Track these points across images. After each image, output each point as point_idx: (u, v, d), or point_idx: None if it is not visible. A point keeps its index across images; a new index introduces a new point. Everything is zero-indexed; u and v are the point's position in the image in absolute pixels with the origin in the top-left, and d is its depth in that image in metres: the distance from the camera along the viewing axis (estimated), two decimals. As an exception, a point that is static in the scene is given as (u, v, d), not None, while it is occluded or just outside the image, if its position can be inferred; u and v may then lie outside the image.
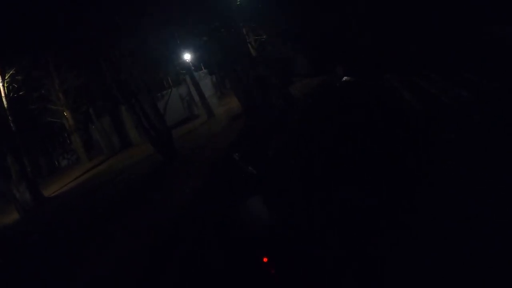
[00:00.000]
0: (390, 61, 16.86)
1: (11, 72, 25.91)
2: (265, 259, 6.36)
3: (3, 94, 24.86)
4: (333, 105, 14.96)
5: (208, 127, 21.31)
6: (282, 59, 27.81)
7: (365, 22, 22.10)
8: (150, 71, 26.02)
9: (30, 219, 20.26)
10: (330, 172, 8.70)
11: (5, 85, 25.41)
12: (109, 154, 31.27)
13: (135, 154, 23.86)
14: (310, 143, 11.46)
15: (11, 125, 24.84)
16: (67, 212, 16.85)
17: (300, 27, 27.98)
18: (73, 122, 33.35)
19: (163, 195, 12.63)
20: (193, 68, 31.38)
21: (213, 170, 12.82)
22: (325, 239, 6.21)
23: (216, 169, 12.74)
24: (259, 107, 17.33)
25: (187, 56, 29.05)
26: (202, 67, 30.91)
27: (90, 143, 37.62)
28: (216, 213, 9.12)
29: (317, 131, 12.29)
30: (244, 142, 14.36)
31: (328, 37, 27.24)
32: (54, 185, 29.14)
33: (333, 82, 19.43)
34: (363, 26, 22.07)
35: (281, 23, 27.95)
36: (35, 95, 31.50)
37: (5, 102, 24.80)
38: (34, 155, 40.94)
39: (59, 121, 34.57)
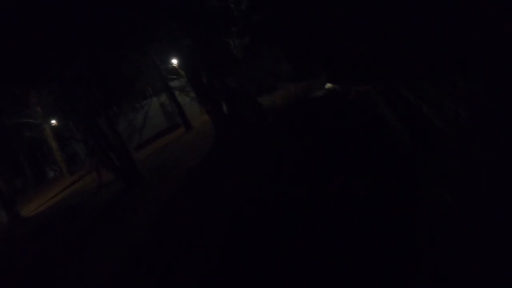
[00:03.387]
0: (377, 65, 14.78)
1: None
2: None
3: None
4: (306, 118, 12.82)
5: (183, 142, 19.07)
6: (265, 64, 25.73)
7: (350, 23, 19.79)
8: (125, 83, 23.96)
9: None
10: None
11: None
12: (89, 169, 28.99)
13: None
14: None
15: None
16: (33, 244, 14.99)
17: (284, 29, 25.98)
18: (52, 136, 31.14)
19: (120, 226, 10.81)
20: (174, 76, 29.20)
21: (171, 199, 10.75)
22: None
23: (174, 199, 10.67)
24: (228, 120, 15.10)
25: (173, 62, 26.95)
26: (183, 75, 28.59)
27: (73, 156, 35.62)
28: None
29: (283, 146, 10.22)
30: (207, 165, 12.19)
31: (314, 40, 25.26)
32: (36, 200, 27.18)
33: (315, 89, 17.27)
34: (348, 27, 19.79)
35: (265, 26, 25.78)
36: (11, 110, 29.27)
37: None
38: (19, 166, 39.07)
39: (39, 136, 32.40)
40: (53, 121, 33.39)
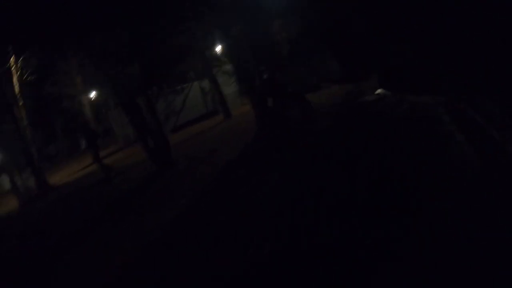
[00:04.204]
0: (436, 75, 13.50)
1: (23, 56, 23.35)
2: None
3: (14, 79, 22.52)
4: (357, 125, 11.75)
5: (221, 131, 18.26)
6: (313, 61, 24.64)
7: (407, 23, 18.50)
8: (168, 64, 23.27)
9: (23, 213, 17.92)
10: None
11: (19, 67, 23.02)
12: (122, 145, 28.57)
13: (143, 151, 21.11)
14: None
15: (20, 110, 22.50)
16: (56, 213, 14.69)
17: (334, 27, 24.84)
18: (90, 109, 30.89)
19: (137, 218, 9.92)
20: (216, 63, 28.49)
21: (203, 193, 9.90)
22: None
23: (206, 193, 9.81)
24: (272, 117, 14.18)
25: (217, 49, 26.20)
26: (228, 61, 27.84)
27: (108, 130, 35.39)
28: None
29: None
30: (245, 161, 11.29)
31: (364, 40, 24.15)
32: (67, 169, 26.98)
33: (363, 93, 16.20)
34: (404, 28, 18.54)
35: (314, 21, 24.71)
36: (52, 79, 29.07)
37: (16, 87, 22.45)
38: (54, 135, 39.12)
39: (77, 107, 32.21)
40: (91, 95, 33.26)
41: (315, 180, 8.54)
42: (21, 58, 23.02)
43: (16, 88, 22.46)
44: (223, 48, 23.73)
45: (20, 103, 22.51)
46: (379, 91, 15.74)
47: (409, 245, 4.55)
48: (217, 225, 7.24)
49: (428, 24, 15.48)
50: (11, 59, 22.59)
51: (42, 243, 11.24)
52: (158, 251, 7.34)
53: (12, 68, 22.65)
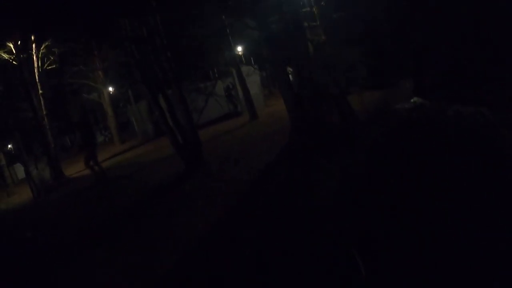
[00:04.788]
0: (475, 83, 12.38)
1: (47, 44, 22.51)
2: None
3: (35, 65, 21.68)
4: (398, 134, 10.61)
5: (248, 132, 17.20)
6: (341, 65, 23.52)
7: (442, 27, 17.16)
8: (194, 59, 22.33)
9: (37, 204, 16.96)
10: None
11: (40, 56, 22.19)
12: (142, 140, 27.64)
13: (165, 147, 19.96)
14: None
15: (40, 98, 21.65)
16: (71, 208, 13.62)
17: (366, 30, 23.77)
18: (109, 102, 30.00)
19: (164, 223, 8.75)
20: (243, 61, 27.45)
21: (239, 200, 8.82)
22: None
23: (243, 201, 8.71)
24: (309, 120, 13.08)
25: (238, 48, 25.26)
26: (252, 61, 26.87)
27: (127, 126, 34.55)
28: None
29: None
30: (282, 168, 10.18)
31: (394, 44, 23.07)
32: (81, 162, 25.99)
33: (394, 100, 15.10)
34: (439, 31, 17.24)
35: (344, 25, 23.64)
36: (73, 70, 28.19)
37: (36, 74, 21.62)
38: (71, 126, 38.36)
39: (96, 99, 31.35)
40: (111, 88, 32.45)
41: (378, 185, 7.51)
42: (43, 45, 22.23)
43: (36, 76, 21.62)
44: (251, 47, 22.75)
45: (40, 92, 21.65)
46: (414, 99, 14.41)
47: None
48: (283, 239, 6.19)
49: (468, 32, 13.96)
50: (33, 45, 21.79)
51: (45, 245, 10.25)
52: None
53: (34, 55, 21.83)
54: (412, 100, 13.92)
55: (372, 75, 22.58)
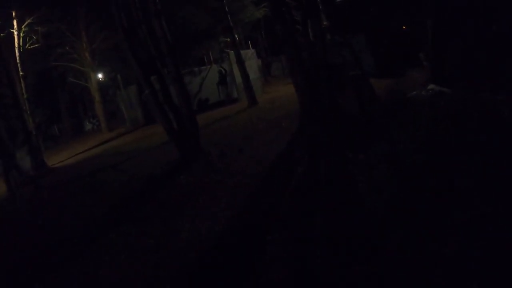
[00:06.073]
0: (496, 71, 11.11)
1: (28, 21, 20.33)
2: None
3: (16, 45, 19.55)
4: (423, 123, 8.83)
5: (248, 118, 15.27)
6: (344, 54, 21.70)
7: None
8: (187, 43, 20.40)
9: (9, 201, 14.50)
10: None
11: (21, 35, 20.02)
12: (130, 128, 25.56)
13: (156, 135, 18.02)
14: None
15: (20, 80, 19.54)
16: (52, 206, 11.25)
17: (372, 17, 22.14)
18: (97, 87, 27.83)
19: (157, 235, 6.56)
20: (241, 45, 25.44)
21: (251, 199, 6.91)
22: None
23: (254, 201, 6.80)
24: (324, 106, 11.17)
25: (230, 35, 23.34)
26: (250, 46, 24.90)
27: (116, 114, 32.40)
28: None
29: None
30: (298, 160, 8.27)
31: (401, 33, 21.46)
32: (68, 151, 23.85)
33: (405, 88, 13.40)
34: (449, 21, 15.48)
35: (348, 11, 21.93)
36: (58, 51, 25.97)
37: (16, 53, 19.48)
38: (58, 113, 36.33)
39: (83, 83, 29.12)
40: (99, 74, 30.40)
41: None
42: (25, 23, 20.05)
43: (17, 56, 19.46)
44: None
45: (21, 74, 19.51)
46: (431, 86, 12.54)
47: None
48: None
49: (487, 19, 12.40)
50: (14, 22, 19.62)
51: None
52: None
53: (15, 33, 19.66)
54: (429, 87, 12.30)
55: (379, 63, 20.98)
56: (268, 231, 5.18)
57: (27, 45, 21.15)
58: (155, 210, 7.57)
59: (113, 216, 8.21)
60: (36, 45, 21.54)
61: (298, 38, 11.74)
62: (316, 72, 11.55)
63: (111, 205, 8.99)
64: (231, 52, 20.82)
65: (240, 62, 18.78)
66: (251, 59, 22.25)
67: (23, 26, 20.11)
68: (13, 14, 19.62)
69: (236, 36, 23.89)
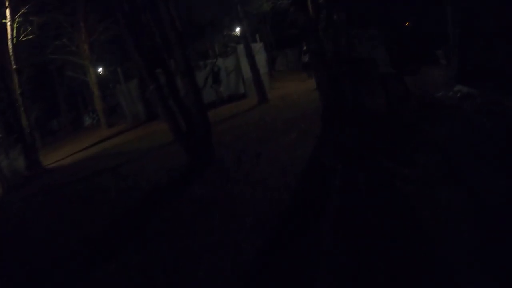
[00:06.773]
0: None
1: (23, 11, 18.89)
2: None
3: (9, 36, 18.12)
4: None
5: (260, 117, 13.85)
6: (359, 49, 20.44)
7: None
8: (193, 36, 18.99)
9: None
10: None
11: (15, 25, 18.59)
12: (131, 124, 24.15)
13: (158, 132, 16.64)
14: None
15: (12, 75, 18.14)
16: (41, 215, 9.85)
17: (381, 11, 20.88)
18: (96, 81, 26.39)
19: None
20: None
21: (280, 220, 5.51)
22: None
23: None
24: (348, 105, 9.81)
25: (240, 26, 21.89)
26: (258, 39, 23.45)
27: (116, 109, 31.00)
28: None
29: None
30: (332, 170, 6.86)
31: (415, 28, 20.36)
32: (65, 148, 22.46)
33: (425, 87, 12.13)
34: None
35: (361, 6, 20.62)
36: (55, 43, 24.51)
37: (9, 45, 18.05)
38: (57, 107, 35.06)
39: (81, 77, 27.69)
40: (99, 68, 29.03)
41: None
42: (20, 12, 18.63)
43: (10, 48, 18.00)
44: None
45: (14, 67, 18.09)
46: (458, 87, 11.21)
47: None
48: None
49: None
50: (7, 11, 18.16)
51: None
52: None
53: (8, 24, 18.20)
54: (455, 89, 11.04)
55: (393, 60, 19.67)
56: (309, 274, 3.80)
57: (21, 36, 19.77)
58: (161, 237, 6.07)
59: (107, 242, 6.70)
60: (31, 36, 20.12)
61: (320, 31, 10.40)
62: (340, 67, 10.22)
63: (105, 225, 7.45)
64: (240, 46, 19.42)
65: (250, 56, 17.36)
66: (259, 53, 20.84)
67: (17, 16, 18.71)
68: (6, 3, 18.17)
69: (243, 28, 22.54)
